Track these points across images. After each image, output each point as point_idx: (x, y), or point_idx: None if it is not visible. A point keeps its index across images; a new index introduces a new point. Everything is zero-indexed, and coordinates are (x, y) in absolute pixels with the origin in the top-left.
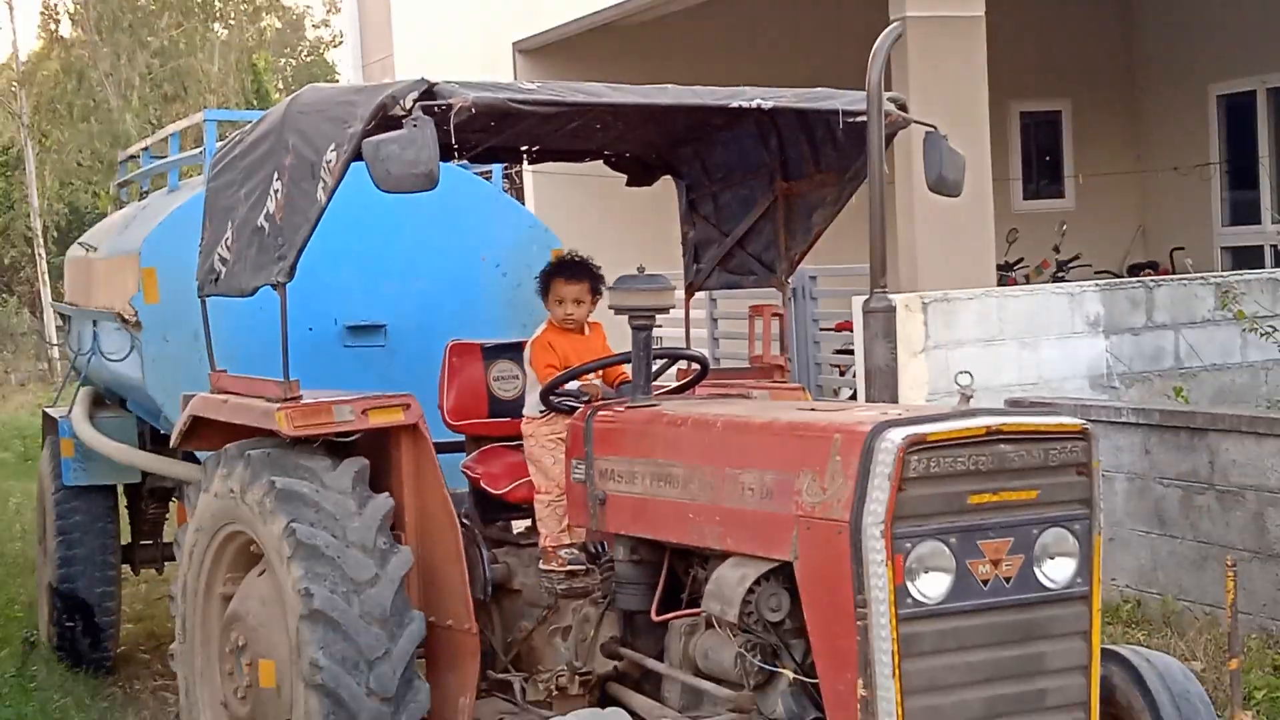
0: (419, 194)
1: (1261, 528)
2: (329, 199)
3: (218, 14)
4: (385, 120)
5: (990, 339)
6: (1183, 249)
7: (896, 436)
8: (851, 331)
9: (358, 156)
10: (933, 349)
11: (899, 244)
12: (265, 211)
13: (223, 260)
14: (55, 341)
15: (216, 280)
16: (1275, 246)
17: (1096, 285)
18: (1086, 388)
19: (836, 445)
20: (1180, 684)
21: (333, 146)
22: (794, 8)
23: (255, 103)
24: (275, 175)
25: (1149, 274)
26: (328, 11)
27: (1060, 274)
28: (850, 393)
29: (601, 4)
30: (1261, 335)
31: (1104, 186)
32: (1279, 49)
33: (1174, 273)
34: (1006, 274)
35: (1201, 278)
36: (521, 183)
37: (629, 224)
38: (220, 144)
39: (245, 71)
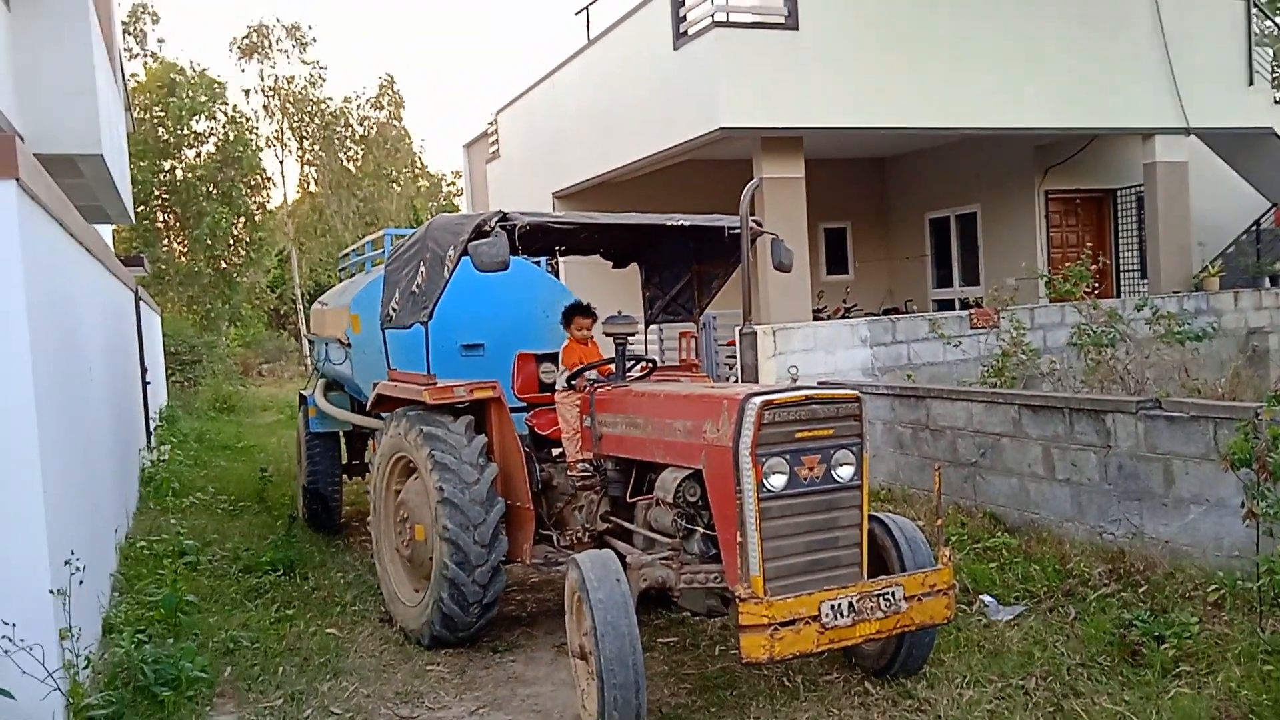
0: (502, 275)
1: (954, 449)
2: (450, 276)
3: (394, 179)
4: (480, 232)
5: (809, 349)
6: (912, 300)
7: (757, 401)
8: (734, 346)
9: (466, 253)
10: (778, 355)
11: (760, 299)
12: (416, 283)
13: (394, 309)
14: (307, 355)
15: (390, 320)
16: (961, 299)
17: (865, 320)
18: (861, 375)
19: (725, 406)
20: (911, 532)
21: (452, 247)
22: (704, 172)
23: (415, 227)
24: (420, 263)
25: (894, 314)
26: (455, 177)
27: (846, 315)
28: (734, 378)
29: (600, 170)
30: (955, 346)
31: (869, 268)
32: (962, 197)
33: (907, 313)
34: (818, 314)
35: (921, 315)
36: (556, 266)
37: (613, 287)
38: (393, 247)
39: (410, 210)
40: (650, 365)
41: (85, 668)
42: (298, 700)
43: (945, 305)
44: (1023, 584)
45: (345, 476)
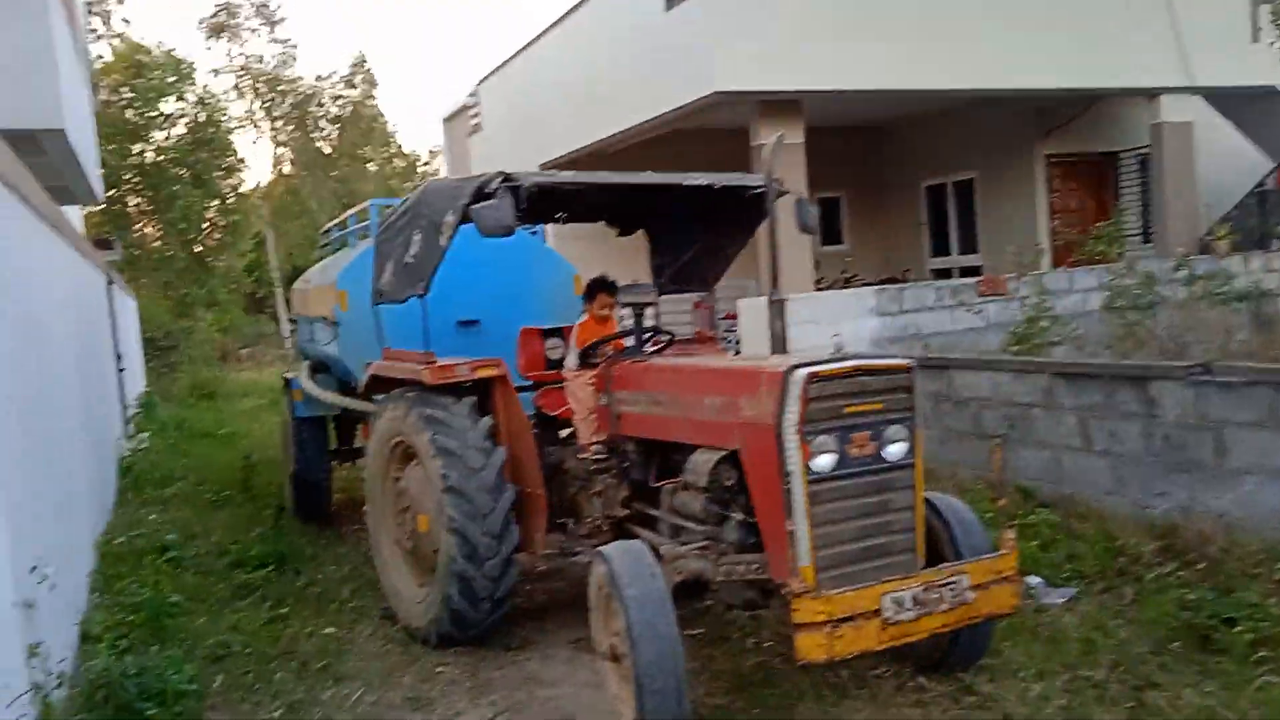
0: (498, 246)
1: (978, 421)
2: (448, 244)
3: (369, 159)
4: (481, 195)
5: (815, 321)
6: (909, 270)
7: (803, 373)
8: (734, 319)
9: (464, 219)
10: (785, 326)
11: (760, 269)
12: (410, 253)
13: (387, 283)
14: (287, 337)
15: (382, 295)
16: (959, 268)
17: (872, 290)
18: (869, 347)
19: (764, 380)
20: (964, 513)
21: (450, 212)
22: (695, 142)
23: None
24: (415, 231)
25: (891, 284)
26: (431, 156)
27: (846, 286)
28: (735, 351)
29: (587, 140)
30: (976, 313)
31: (864, 238)
32: (959, 163)
33: (904, 283)
34: (817, 286)
35: (929, 284)
36: (544, 238)
37: (607, 263)
38: (383, 215)
39: (385, 190)
40: (669, 338)
41: (58, 687)
42: (298, 711)
43: (942, 274)
44: (1070, 563)
45: (334, 463)
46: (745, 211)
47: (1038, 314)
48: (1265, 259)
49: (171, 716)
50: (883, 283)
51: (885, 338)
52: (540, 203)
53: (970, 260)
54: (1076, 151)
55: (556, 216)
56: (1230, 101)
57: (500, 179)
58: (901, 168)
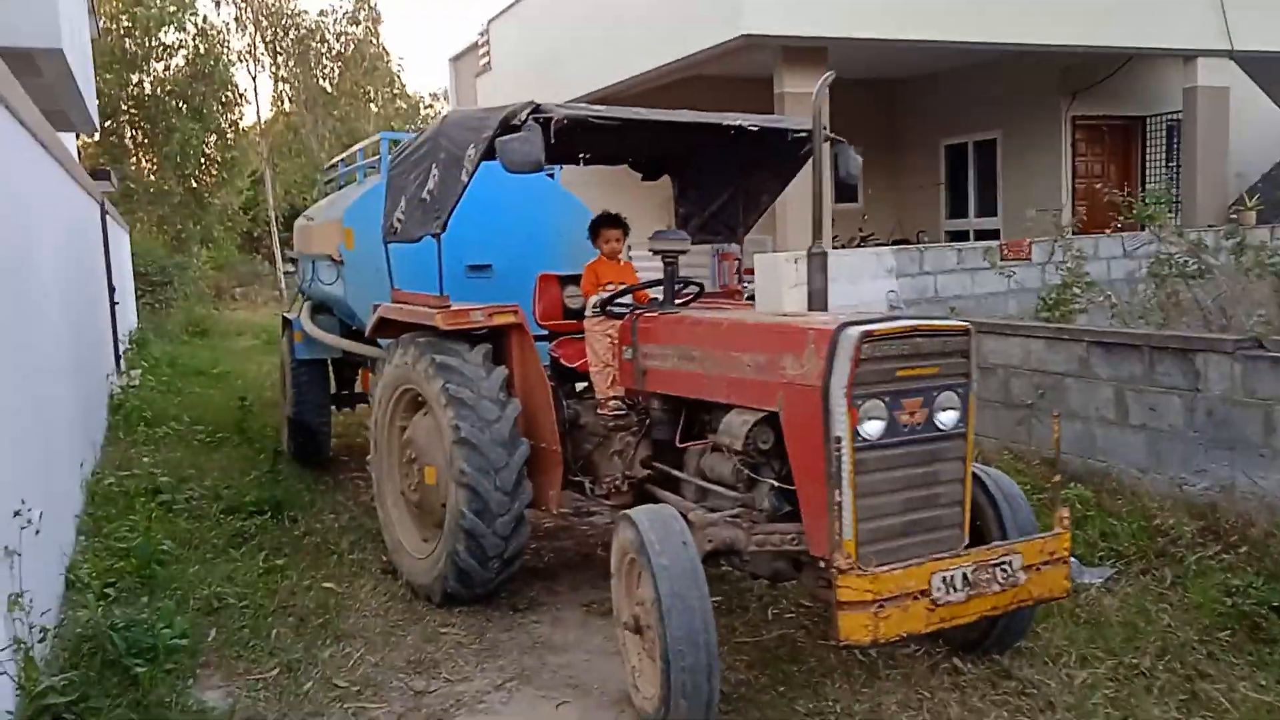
0: (512, 187)
1: (1007, 389)
2: (469, 180)
3: (371, 98)
4: (507, 128)
5: (831, 280)
6: (925, 231)
7: (855, 332)
8: (752, 274)
9: (488, 153)
10: (801, 284)
11: (776, 226)
12: (427, 189)
13: (399, 220)
14: (284, 275)
15: (395, 232)
16: (974, 230)
17: (891, 249)
18: (887, 308)
19: (812, 338)
20: (1009, 487)
21: (472, 145)
22: (714, 90)
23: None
24: (433, 165)
25: (904, 245)
26: (433, 100)
27: (861, 244)
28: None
29: (603, 84)
30: (1006, 276)
31: (877, 197)
32: (981, 122)
33: (919, 244)
34: (833, 244)
35: (950, 246)
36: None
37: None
38: (397, 147)
39: (387, 130)
40: (698, 289)
41: (40, 641)
42: (295, 670)
43: (959, 236)
44: (1104, 542)
45: (333, 408)
46: (782, 158)
47: (1072, 279)
48: None
49: (161, 674)
50: (896, 244)
51: (905, 300)
52: (564, 141)
53: (988, 223)
54: (1104, 114)
55: (579, 157)
56: (1261, 66)
57: (530, 110)
58: (921, 126)
